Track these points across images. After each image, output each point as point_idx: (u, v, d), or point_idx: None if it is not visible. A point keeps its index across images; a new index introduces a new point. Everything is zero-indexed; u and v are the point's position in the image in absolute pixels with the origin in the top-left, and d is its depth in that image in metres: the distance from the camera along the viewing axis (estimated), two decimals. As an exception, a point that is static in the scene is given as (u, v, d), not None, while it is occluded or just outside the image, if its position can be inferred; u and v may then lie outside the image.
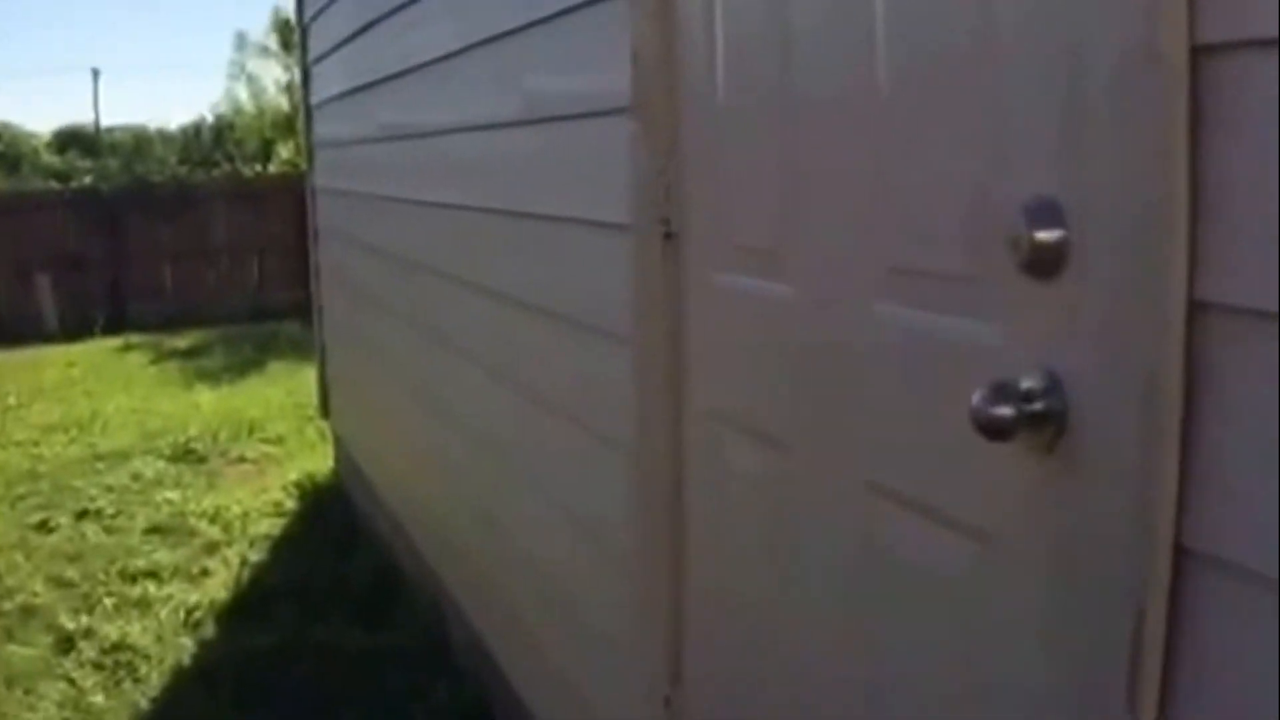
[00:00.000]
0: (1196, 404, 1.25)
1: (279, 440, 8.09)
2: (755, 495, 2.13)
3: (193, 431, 8.21)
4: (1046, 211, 1.38)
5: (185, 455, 7.70)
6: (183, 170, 19.45)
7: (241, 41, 22.45)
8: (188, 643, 4.64)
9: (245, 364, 11.32)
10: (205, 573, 5.47)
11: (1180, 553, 1.27)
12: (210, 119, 25.46)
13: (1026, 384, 1.44)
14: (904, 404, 1.71)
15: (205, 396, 9.75)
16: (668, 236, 2.36)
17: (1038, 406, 1.42)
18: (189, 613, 4.92)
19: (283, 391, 9.68)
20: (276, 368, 10.92)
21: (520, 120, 3.26)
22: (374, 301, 5.39)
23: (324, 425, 7.34)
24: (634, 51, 2.41)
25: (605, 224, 2.67)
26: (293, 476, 6.94)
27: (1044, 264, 1.39)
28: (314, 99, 6.76)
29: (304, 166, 7.33)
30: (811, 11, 1.87)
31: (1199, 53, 1.20)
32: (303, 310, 8.87)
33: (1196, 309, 1.24)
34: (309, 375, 8.10)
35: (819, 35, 1.85)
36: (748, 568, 2.17)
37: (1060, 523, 1.44)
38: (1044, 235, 1.38)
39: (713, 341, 2.25)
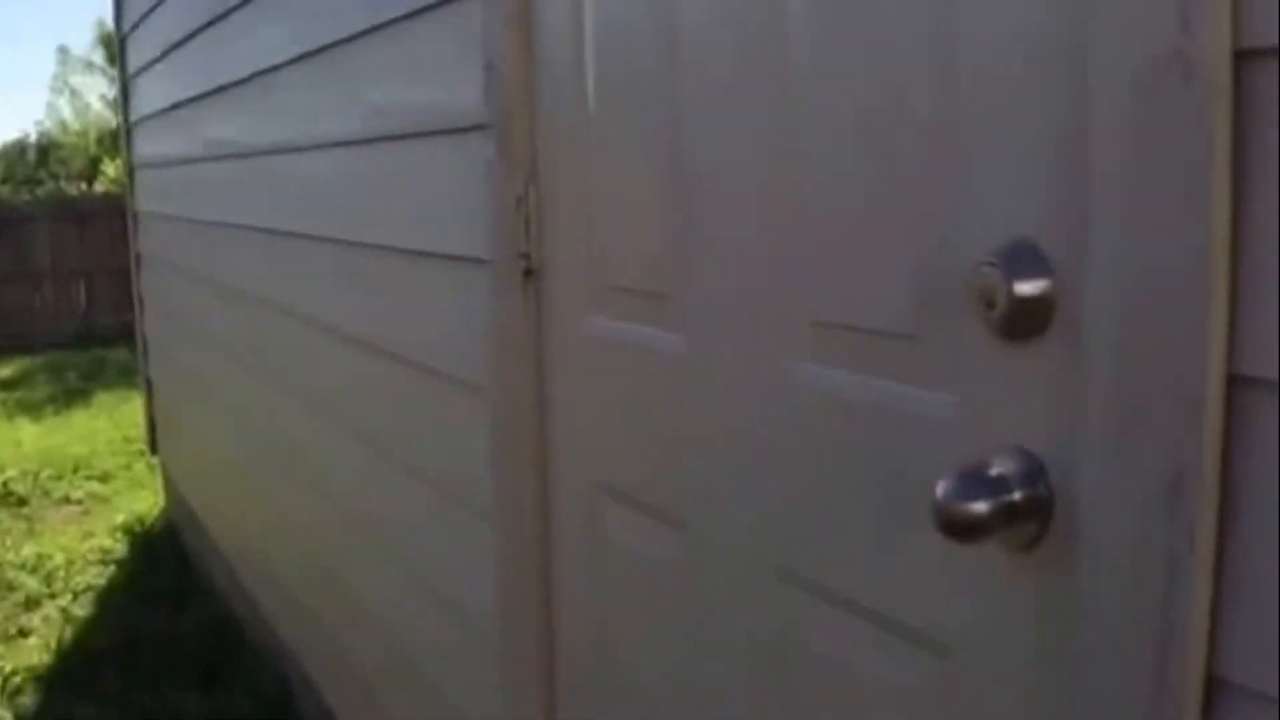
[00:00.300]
0: (1235, 502, 0.97)
1: (106, 478, 7.53)
2: (644, 577, 1.81)
3: (12, 471, 7.58)
4: (1028, 258, 1.09)
5: (4, 498, 7.10)
6: (5, 189, 18.53)
7: (65, 55, 21.58)
8: (5, 715, 4.17)
9: (71, 394, 10.64)
10: (24, 633, 4.96)
11: (1213, 684, 1.00)
12: (34, 136, 24.33)
13: (998, 469, 1.15)
14: (828, 482, 1.41)
15: (27, 431, 9.10)
16: (528, 273, 2.02)
17: (1016, 496, 1.13)
18: (6, 680, 4.43)
19: (110, 424, 9.10)
20: (104, 398, 10.28)
21: (360, 138, 2.89)
22: (203, 335, 4.94)
23: (155, 461, 6.84)
24: (489, 60, 2.08)
25: (457, 258, 2.33)
26: (121, 519, 6.41)
27: (1024, 322, 1.10)
28: (134, 115, 6.27)
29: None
30: (708, 2, 1.57)
31: (1244, 59, 0.93)
32: (132, 336, 8.32)
33: (1237, 385, 0.96)
34: (139, 405, 7.56)
35: (718, 30, 1.54)
36: (636, 657, 1.85)
37: (1045, 637, 1.15)
38: (1026, 287, 1.09)
39: (588, 398, 1.93)
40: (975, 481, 1.12)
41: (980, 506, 1.11)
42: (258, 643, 4.35)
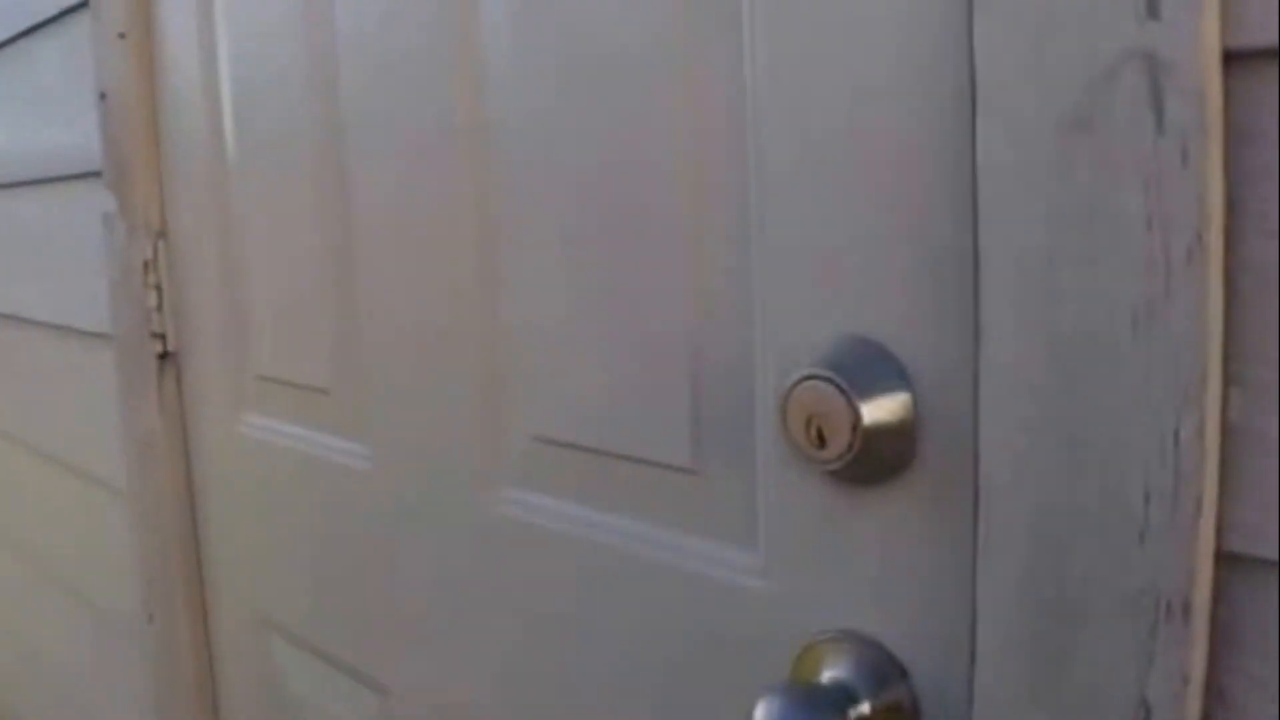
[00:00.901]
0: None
1: None
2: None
3: None
4: (876, 366, 0.69)
5: None
6: None
7: None
8: None
9: None
10: None
11: None
12: None
13: (837, 671, 0.74)
14: (568, 651, 0.97)
15: None
16: (164, 356, 1.52)
17: (865, 710, 0.72)
18: None
19: None
20: None
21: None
22: None
23: None
24: (102, 87, 1.56)
25: (82, 332, 1.79)
26: None
27: (871, 460, 0.70)
28: None
29: None
30: (379, 16, 1.10)
31: (1239, 64, 0.54)
32: None
33: (1231, 569, 0.58)
34: None
35: (392, 60, 1.09)
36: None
37: None
38: (875, 410, 0.68)
39: (251, 516, 1.43)
40: (807, 700, 0.71)
41: (822, 738, 0.70)
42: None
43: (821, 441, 0.68)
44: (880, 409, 0.67)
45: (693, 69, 0.79)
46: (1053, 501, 0.60)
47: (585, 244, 0.89)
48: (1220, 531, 0.57)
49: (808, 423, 0.68)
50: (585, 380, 0.90)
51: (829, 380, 0.67)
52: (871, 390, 0.67)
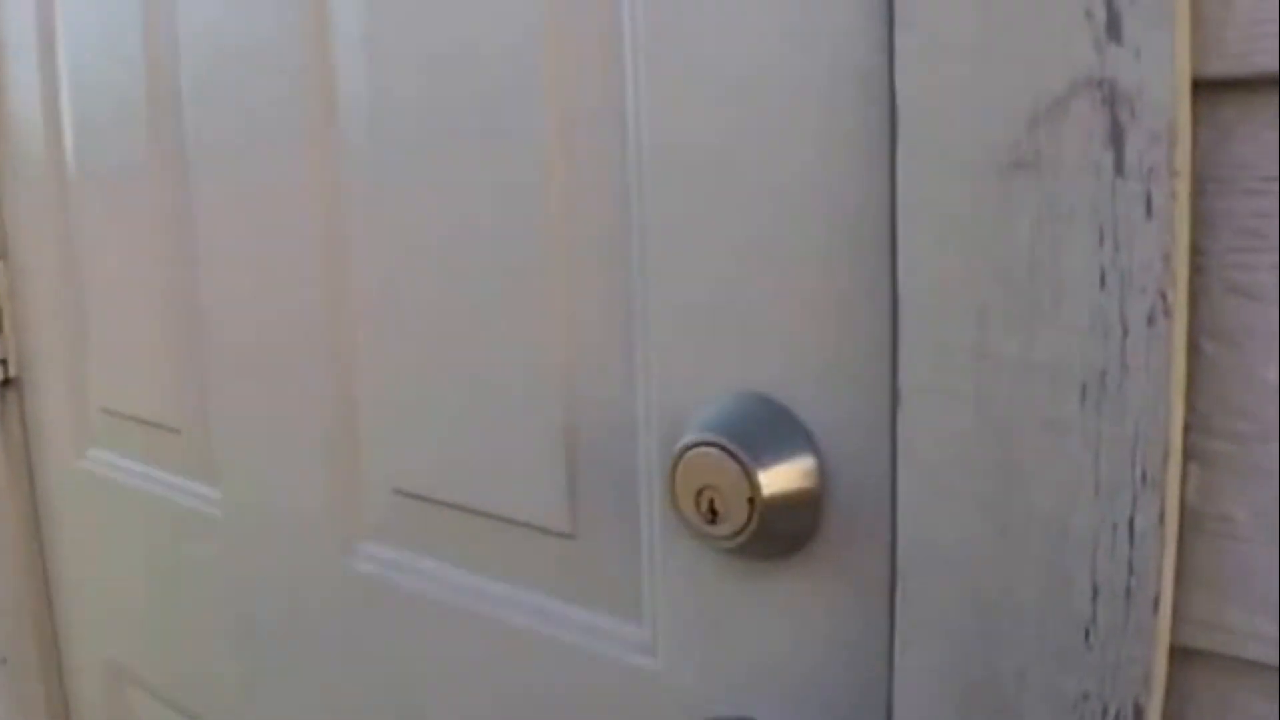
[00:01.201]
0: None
1: None
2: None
3: None
4: (774, 428, 0.57)
5: None
6: None
7: None
8: None
9: None
10: None
11: None
12: None
13: (728, 759, 0.63)
14: (442, 711, 0.85)
15: None
16: (5, 383, 1.35)
17: (759, 807, 0.61)
18: None
19: None
20: None
21: None
22: None
23: None
24: (-64, 101, 1.38)
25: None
26: None
27: (774, 536, 0.58)
28: None
29: None
30: (222, 33, 0.95)
31: (1211, 93, 0.44)
32: None
33: (1186, 665, 0.48)
34: None
35: (238, 74, 0.94)
36: None
37: None
38: (780, 479, 0.57)
39: (100, 557, 1.27)
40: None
41: (715, 847, 0.58)
42: None
43: (714, 516, 0.57)
44: (781, 477, 0.56)
45: (571, 94, 0.67)
46: (982, 590, 0.50)
47: (450, 284, 0.76)
48: (1178, 621, 0.47)
49: (698, 495, 0.57)
50: (450, 431, 0.77)
51: (721, 447, 0.56)
52: (771, 456, 0.56)
